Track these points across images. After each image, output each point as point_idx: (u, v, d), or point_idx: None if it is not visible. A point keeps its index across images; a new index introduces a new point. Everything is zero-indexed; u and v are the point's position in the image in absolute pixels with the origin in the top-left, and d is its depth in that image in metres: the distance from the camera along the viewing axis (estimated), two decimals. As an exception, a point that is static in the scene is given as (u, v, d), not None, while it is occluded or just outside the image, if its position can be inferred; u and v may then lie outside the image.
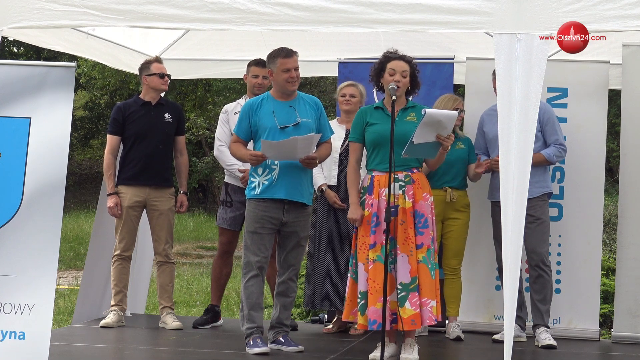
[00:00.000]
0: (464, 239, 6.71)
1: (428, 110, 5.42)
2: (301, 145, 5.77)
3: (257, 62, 6.93)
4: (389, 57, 5.80)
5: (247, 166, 6.82)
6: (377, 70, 5.83)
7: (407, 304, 5.49)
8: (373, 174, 5.70)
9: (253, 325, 5.90)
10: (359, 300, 5.58)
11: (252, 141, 6.05)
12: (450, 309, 6.71)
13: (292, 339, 5.95)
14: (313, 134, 5.84)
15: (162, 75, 6.95)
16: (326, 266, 6.81)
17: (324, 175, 6.76)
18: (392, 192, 5.42)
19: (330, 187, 6.76)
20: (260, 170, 5.89)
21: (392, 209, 5.40)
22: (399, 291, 5.52)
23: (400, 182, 5.62)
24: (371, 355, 5.57)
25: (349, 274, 5.76)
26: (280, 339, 5.95)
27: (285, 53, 5.95)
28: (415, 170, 5.69)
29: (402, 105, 5.74)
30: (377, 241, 5.54)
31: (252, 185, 5.93)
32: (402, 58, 5.78)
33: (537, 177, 6.23)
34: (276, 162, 5.83)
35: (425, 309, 5.52)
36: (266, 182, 5.86)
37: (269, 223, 5.89)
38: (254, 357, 5.75)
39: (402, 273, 5.53)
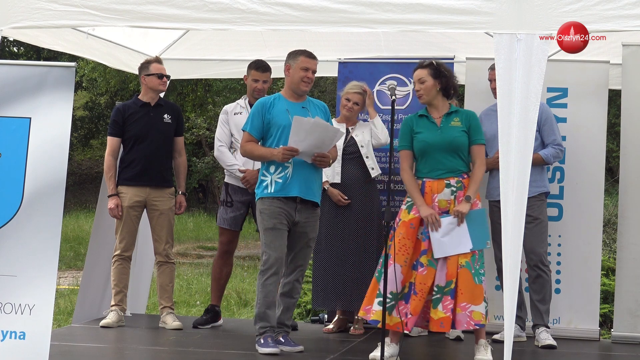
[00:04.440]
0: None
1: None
2: (328, 135, 5.79)
3: (258, 66, 6.91)
4: (414, 69, 5.87)
5: (248, 166, 6.83)
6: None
7: (440, 307, 5.55)
8: (424, 180, 5.72)
9: (267, 325, 5.86)
10: (388, 300, 5.57)
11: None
12: (450, 309, 6.72)
13: (292, 339, 5.95)
14: (339, 128, 5.83)
15: (161, 76, 6.95)
16: (327, 266, 6.80)
17: (327, 173, 6.75)
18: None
19: (334, 185, 6.75)
20: (272, 168, 5.87)
21: (392, 210, 5.44)
22: (434, 293, 5.58)
23: (452, 188, 5.68)
24: (371, 355, 5.58)
25: (375, 274, 5.76)
26: (281, 339, 5.94)
27: (308, 53, 6.01)
28: (465, 176, 5.73)
29: (445, 111, 5.80)
30: (429, 248, 5.62)
31: (264, 184, 5.90)
32: (420, 65, 5.83)
33: (535, 177, 6.23)
34: (290, 160, 5.82)
35: (463, 314, 5.53)
36: (280, 180, 5.85)
37: (284, 218, 5.86)
38: (264, 357, 5.72)
39: (439, 276, 5.58)
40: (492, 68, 6.39)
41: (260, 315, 5.87)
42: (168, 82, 7.14)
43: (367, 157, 6.75)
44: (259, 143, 5.98)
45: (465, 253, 5.56)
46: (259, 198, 5.93)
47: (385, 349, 5.47)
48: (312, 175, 5.92)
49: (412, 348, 6.12)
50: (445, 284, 5.55)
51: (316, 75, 6.08)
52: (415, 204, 5.69)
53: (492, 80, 6.38)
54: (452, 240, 5.56)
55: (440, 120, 5.76)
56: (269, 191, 5.87)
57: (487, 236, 5.69)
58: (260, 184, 5.94)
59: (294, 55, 6.01)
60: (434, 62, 5.82)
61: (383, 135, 6.75)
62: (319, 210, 6.05)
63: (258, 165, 6.80)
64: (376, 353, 5.53)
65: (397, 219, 5.78)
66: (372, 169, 6.76)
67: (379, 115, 6.93)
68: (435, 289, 5.58)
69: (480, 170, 5.74)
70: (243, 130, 6.03)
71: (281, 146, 5.80)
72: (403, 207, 5.79)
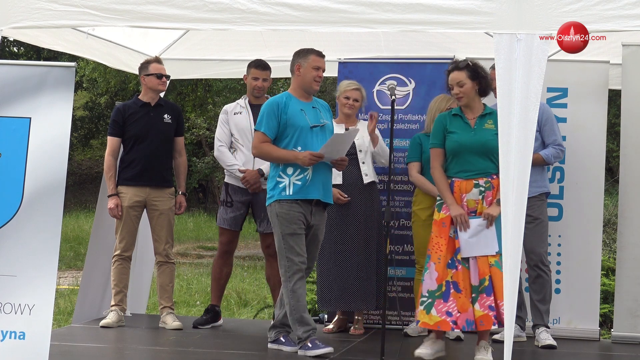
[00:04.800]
0: (462, 239, 6.70)
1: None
2: (349, 140, 5.79)
3: (257, 65, 6.92)
4: (449, 70, 5.82)
5: (248, 166, 6.83)
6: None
7: (477, 305, 5.57)
8: (453, 179, 5.73)
9: (309, 328, 5.80)
10: (425, 299, 5.59)
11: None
12: (450, 309, 6.72)
13: (293, 339, 5.94)
14: (357, 128, 5.86)
15: (160, 76, 6.94)
16: (330, 267, 6.79)
17: None
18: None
19: (335, 185, 6.73)
20: (290, 170, 5.80)
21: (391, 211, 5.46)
22: (471, 292, 5.61)
23: (481, 188, 5.69)
24: (417, 352, 5.61)
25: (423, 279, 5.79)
26: (281, 338, 5.93)
27: (318, 52, 5.94)
28: (494, 177, 5.72)
29: (479, 112, 5.80)
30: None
31: (282, 185, 5.81)
32: (456, 67, 5.79)
33: (535, 177, 6.23)
34: None
35: (500, 311, 5.55)
36: (299, 183, 5.78)
37: (302, 224, 5.81)
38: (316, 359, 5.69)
39: (473, 276, 5.61)
40: (493, 68, 6.39)
41: (299, 320, 5.79)
42: (168, 82, 7.14)
43: (363, 163, 6.72)
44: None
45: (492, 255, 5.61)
46: (276, 200, 5.83)
47: (431, 345, 5.57)
48: (329, 177, 5.92)
49: (412, 348, 6.11)
50: (479, 282, 5.59)
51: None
52: (445, 202, 5.69)
53: (492, 80, 6.37)
54: (479, 241, 5.59)
55: (475, 121, 5.75)
56: (287, 193, 5.78)
57: None
58: (276, 185, 5.83)
59: (304, 54, 5.94)
60: (469, 62, 5.78)
61: (385, 159, 6.71)
62: (326, 213, 6.04)
63: (258, 165, 6.81)
64: (421, 350, 5.59)
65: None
66: (366, 175, 6.73)
67: (379, 115, 6.92)
68: (471, 288, 5.63)
69: None
70: (256, 130, 5.91)
71: (308, 152, 5.73)
72: (434, 206, 5.83)
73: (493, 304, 5.52)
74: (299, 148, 5.80)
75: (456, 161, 5.73)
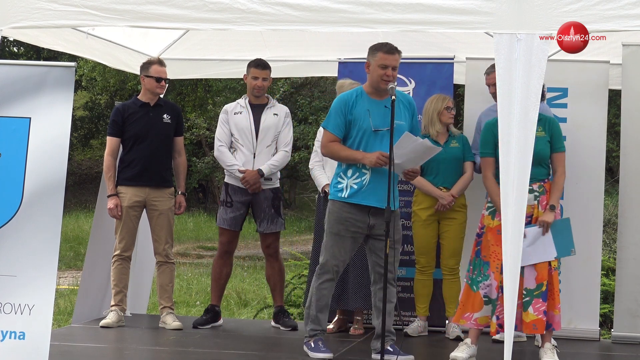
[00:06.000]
0: (461, 239, 6.71)
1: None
2: (427, 154, 5.62)
3: (257, 64, 6.92)
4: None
5: (248, 166, 6.82)
6: None
7: (530, 309, 5.63)
8: None
9: (318, 328, 5.77)
10: (490, 306, 5.68)
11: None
12: (449, 309, 6.72)
13: (402, 349, 5.71)
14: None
15: (159, 80, 6.93)
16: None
17: (327, 176, 6.73)
18: (391, 192, 5.44)
19: None
20: (350, 172, 5.66)
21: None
22: (524, 296, 5.65)
23: (535, 193, 5.73)
24: (452, 355, 5.65)
25: (465, 280, 5.83)
26: (389, 348, 5.68)
27: (387, 49, 5.69)
28: (546, 180, 5.78)
29: None
30: None
31: (339, 187, 5.68)
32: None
33: None
34: (368, 167, 5.59)
35: (560, 315, 5.71)
36: (355, 186, 5.63)
37: (353, 226, 5.65)
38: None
39: (528, 279, 5.64)
40: (488, 72, 6.39)
41: (313, 318, 5.75)
42: (167, 85, 7.12)
43: None
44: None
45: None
46: (331, 199, 5.73)
47: (466, 349, 5.66)
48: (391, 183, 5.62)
49: (412, 348, 6.11)
50: (535, 287, 5.65)
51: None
52: (498, 210, 5.61)
53: (490, 85, 6.36)
54: (536, 249, 5.66)
55: None
56: (342, 195, 5.65)
57: (571, 244, 5.78)
58: (336, 185, 5.72)
59: (372, 51, 5.72)
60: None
61: None
62: (397, 211, 5.79)
63: (257, 165, 6.82)
64: (457, 353, 5.64)
65: (481, 225, 5.84)
66: None
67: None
68: (524, 292, 5.66)
69: (562, 178, 5.81)
70: (323, 128, 5.77)
71: (378, 151, 5.51)
72: (485, 212, 5.84)
73: (546, 310, 5.64)
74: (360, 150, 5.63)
75: None
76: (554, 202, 5.74)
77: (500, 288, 5.62)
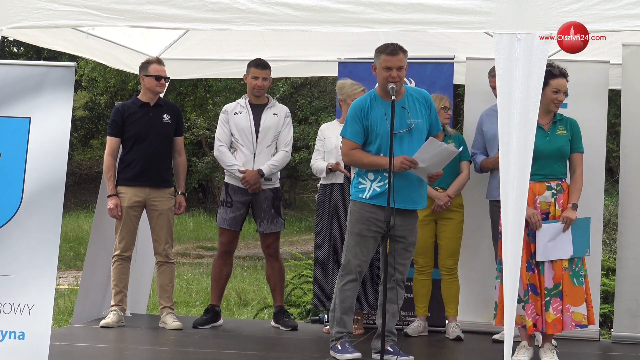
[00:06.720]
0: (459, 239, 6.71)
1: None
2: (450, 157, 5.60)
3: (257, 64, 6.92)
4: (554, 75, 5.75)
5: (248, 167, 6.82)
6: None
7: (550, 309, 5.66)
8: None
9: (343, 330, 5.71)
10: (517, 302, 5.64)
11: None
12: (448, 309, 6.72)
13: (402, 349, 5.68)
14: (458, 150, 5.70)
15: (159, 78, 6.93)
16: (328, 266, 6.79)
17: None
18: (391, 190, 5.44)
19: (337, 185, 6.71)
20: (372, 175, 5.61)
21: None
22: (545, 296, 5.68)
23: (553, 191, 5.76)
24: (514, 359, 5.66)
25: (497, 279, 5.80)
26: (389, 348, 5.67)
27: (390, 50, 5.58)
28: (564, 179, 5.82)
29: (551, 118, 5.85)
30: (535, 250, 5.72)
31: (361, 187, 5.63)
32: (563, 74, 5.77)
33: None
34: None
35: (568, 315, 5.69)
36: (378, 189, 5.58)
37: (374, 225, 5.60)
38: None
39: (547, 278, 5.68)
40: (492, 75, 6.39)
41: (338, 320, 5.70)
42: (167, 84, 7.12)
43: None
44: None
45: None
46: (352, 200, 5.68)
47: (525, 353, 5.71)
48: (412, 184, 5.60)
49: (412, 348, 6.11)
50: (553, 287, 5.67)
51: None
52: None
53: (494, 87, 6.35)
54: (555, 245, 5.68)
55: (548, 126, 5.80)
56: (363, 196, 5.61)
57: (587, 245, 5.82)
58: (356, 185, 5.68)
59: (377, 53, 5.65)
60: (564, 69, 5.77)
61: None
62: (416, 212, 5.78)
63: (257, 165, 6.81)
64: (519, 357, 5.67)
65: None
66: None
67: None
68: (545, 291, 5.68)
69: (582, 178, 5.85)
70: (342, 136, 5.72)
71: (403, 156, 5.47)
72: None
73: (562, 308, 5.66)
74: (381, 155, 5.56)
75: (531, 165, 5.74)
76: (576, 200, 5.79)
77: (528, 286, 5.67)
